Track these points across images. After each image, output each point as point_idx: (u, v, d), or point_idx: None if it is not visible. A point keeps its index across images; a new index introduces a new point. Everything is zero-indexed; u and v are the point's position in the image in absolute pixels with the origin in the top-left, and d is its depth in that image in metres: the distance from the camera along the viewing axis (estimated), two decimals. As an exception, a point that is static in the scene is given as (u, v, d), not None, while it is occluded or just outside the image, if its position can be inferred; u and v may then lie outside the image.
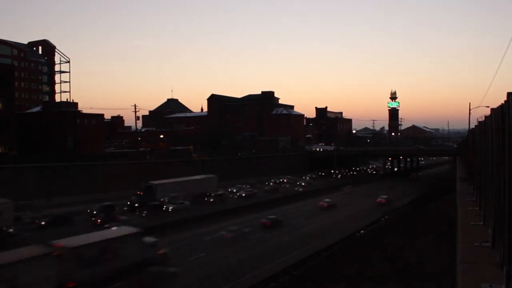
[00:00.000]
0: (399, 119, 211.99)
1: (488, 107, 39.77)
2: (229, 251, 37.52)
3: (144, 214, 51.20)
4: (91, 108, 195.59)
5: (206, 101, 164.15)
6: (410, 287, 22.07)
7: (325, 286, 26.18)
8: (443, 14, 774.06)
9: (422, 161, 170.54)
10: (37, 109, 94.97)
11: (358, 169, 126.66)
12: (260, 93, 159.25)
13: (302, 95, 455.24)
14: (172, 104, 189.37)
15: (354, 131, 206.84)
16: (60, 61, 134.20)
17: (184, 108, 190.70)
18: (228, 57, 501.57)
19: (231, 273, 31.11)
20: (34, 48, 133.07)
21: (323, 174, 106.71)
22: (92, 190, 65.21)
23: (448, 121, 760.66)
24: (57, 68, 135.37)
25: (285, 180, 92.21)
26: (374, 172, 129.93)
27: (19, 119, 77.16)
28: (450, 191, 37.39)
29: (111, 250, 28.21)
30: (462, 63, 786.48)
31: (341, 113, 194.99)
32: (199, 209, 56.08)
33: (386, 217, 54.59)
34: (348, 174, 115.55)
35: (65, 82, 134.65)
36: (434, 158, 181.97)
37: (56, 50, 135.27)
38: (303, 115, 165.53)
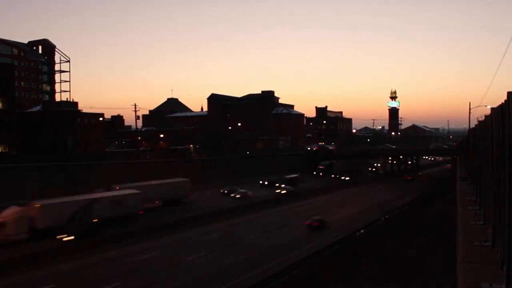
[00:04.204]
0: (399, 119, 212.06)
1: (486, 106, 39.80)
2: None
3: None
4: (91, 107, 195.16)
5: (206, 101, 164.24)
6: (410, 286, 22.06)
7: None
8: (443, 14, 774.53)
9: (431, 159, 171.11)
10: (37, 108, 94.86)
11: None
12: (260, 92, 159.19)
13: (302, 95, 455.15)
14: (172, 104, 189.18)
15: (354, 131, 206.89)
16: (60, 60, 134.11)
17: (184, 108, 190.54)
18: (228, 57, 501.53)
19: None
20: (34, 48, 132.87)
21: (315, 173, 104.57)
22: (91, 189, 65.03)
23: (448, 121, 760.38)
24: (57, 67, 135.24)
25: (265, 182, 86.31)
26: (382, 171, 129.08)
27: (19, 119, 77.08)
28: (450, 190, 37.48)
29: None
30: (462, 63, 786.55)
31: (341, 112, 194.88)
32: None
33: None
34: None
35: (65, 81, 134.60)
36: (432, 158, 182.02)
37: (56, 49, 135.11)
38: (303, 114, 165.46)
